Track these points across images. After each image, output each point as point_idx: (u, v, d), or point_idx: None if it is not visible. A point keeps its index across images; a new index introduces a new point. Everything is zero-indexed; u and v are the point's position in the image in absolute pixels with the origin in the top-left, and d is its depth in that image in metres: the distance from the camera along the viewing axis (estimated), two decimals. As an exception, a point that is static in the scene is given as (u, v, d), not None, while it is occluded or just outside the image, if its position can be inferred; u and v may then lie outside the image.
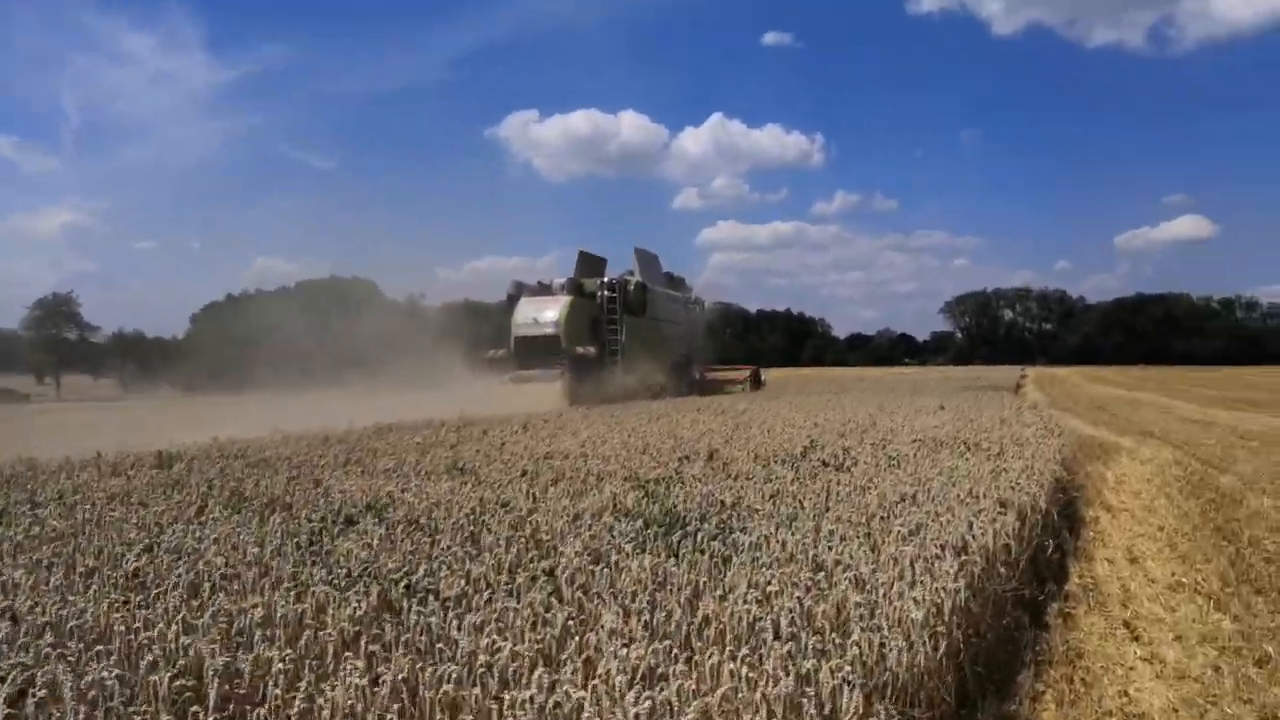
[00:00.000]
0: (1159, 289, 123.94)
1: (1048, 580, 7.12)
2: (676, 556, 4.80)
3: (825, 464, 8.31)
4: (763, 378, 46.35)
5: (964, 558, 4.81)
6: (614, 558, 4.57)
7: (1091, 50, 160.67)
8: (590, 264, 35.73)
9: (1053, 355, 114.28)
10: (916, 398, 21.95)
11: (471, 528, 5.58)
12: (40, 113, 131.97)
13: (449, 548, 4.90)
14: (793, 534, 5.18)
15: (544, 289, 32.97)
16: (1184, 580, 7.08)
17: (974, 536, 5.22)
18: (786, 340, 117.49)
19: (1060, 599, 6.53)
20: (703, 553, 4.77)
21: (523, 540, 5.11)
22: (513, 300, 32.70)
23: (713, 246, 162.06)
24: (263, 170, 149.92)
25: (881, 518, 5.65)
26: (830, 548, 4.76)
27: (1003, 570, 5.59)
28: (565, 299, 31.37)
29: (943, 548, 4.83)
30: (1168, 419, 24.54)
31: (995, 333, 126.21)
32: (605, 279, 33.64)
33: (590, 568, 4.35)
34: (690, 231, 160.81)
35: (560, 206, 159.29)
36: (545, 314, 30.90)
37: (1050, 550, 7.80)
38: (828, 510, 6.05)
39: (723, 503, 6.23)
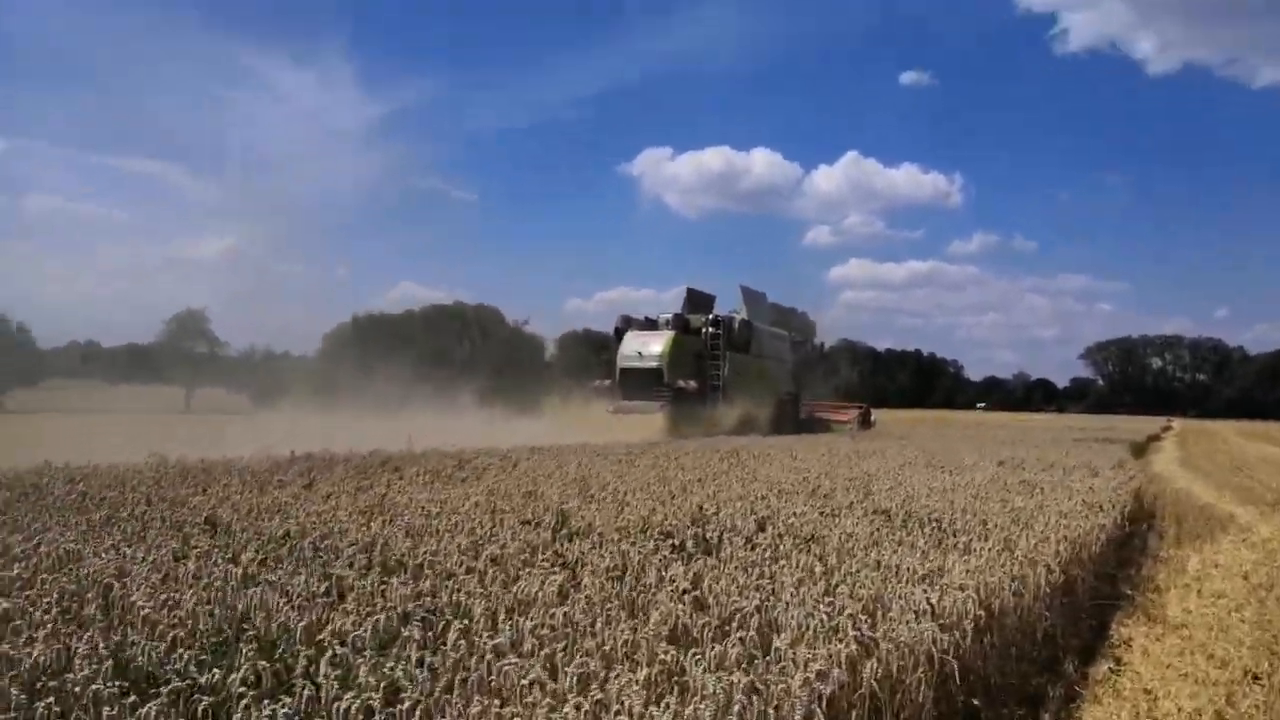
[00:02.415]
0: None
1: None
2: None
3: (681, 546, 5.60)
4: (872, 418, 43.38)
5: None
6: None
7: (1256, 90, 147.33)
8: (698, 300, 34.96)
9: (1205, 408, 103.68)
10: (995, 448, 18.40)
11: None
12: (205, 144, 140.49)
13: None
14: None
15: (650, 324, 32.46)
16: (1214, 787, 4.06)
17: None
18: (916, 381, 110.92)
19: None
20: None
21: None
22: (620, 334, 32.28)
23: (844, 284, 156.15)
24: (407, 199, 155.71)
25: (568, 669, 3.00)
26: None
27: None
28: (670, 334, 30.81)
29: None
30: (1316, 486, 19.99)
31: (1141, 381, 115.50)
32: (711, 315, 32.65)
33: None
34: (820, 269, 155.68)
35: (690, 241, 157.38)
36: (650, 348, 30.38)
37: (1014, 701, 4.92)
38: (532, 654, 3.46)
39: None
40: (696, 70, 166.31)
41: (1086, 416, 77.00)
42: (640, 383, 29.66)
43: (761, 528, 6.44)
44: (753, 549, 5.64)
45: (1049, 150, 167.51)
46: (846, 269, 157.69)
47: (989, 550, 5.82)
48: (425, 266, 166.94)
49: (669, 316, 32.10)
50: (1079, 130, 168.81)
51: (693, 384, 30.02)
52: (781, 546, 5.69)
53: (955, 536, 6.34)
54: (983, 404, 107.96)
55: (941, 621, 4.32)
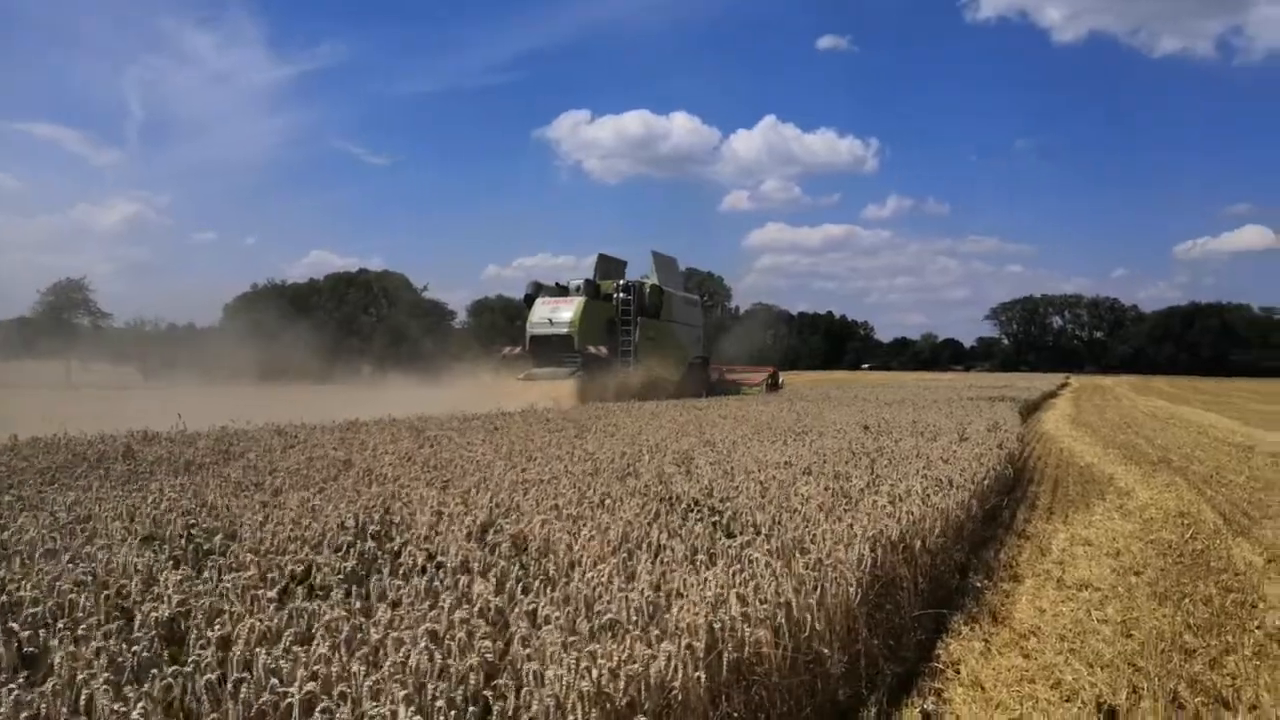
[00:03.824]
0: (1220, 299, 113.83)
1: None
2: None
3: (305, 575, 3.81)
4: (780, 380, 42.67)
5: None
6: None
7: (1157, 59, 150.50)
8: (610, 266, 33.65)
9: (1103, 364, 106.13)
10: (875, 410, 17.08)
11: None
12: (106, 108, 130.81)
13: None
14: None
15: (561, 290, 31.25)
16: None
17: None
18: (827, 343, 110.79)
19: None
20: None
21: None
22: (530, 300, 30.96)
23: (761, 248, 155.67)
24: (319, 165, 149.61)
25: None
26: None
27: None
28: (580, 300, 29.56)
29: None
30: (1200, 441, 19.25)
31: (1043, 340, 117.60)
32: (622, 281, 31.59)
33: None
34: (738, 233, 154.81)
35: (610, 207, 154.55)
36: (560, 314, 29.18)
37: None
38: None
39: None
40: (615, 32, 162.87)
41: (992, 375, 77.56)
42: (551, 349, 28.68)
43: (482, 535, 4.71)
44: (437, 572, 3.91)
45: (961, 115, 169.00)
46: (764, 233, 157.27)
47: (763, 561, 4.19)
48: (339, 234, 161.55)
49: (580, 283, 30.92)
50: (990, 96, 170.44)
51: (603, 350, 28.97)
52: (467, 571, 3.97)
53: (734, 537, 4.71)
54: (866, 365, 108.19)
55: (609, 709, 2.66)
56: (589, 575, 3.83)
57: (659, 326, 32.33)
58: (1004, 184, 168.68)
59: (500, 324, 64.60)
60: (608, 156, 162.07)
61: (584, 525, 4.89)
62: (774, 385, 40.68)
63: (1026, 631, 5.46)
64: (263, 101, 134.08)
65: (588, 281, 31.09)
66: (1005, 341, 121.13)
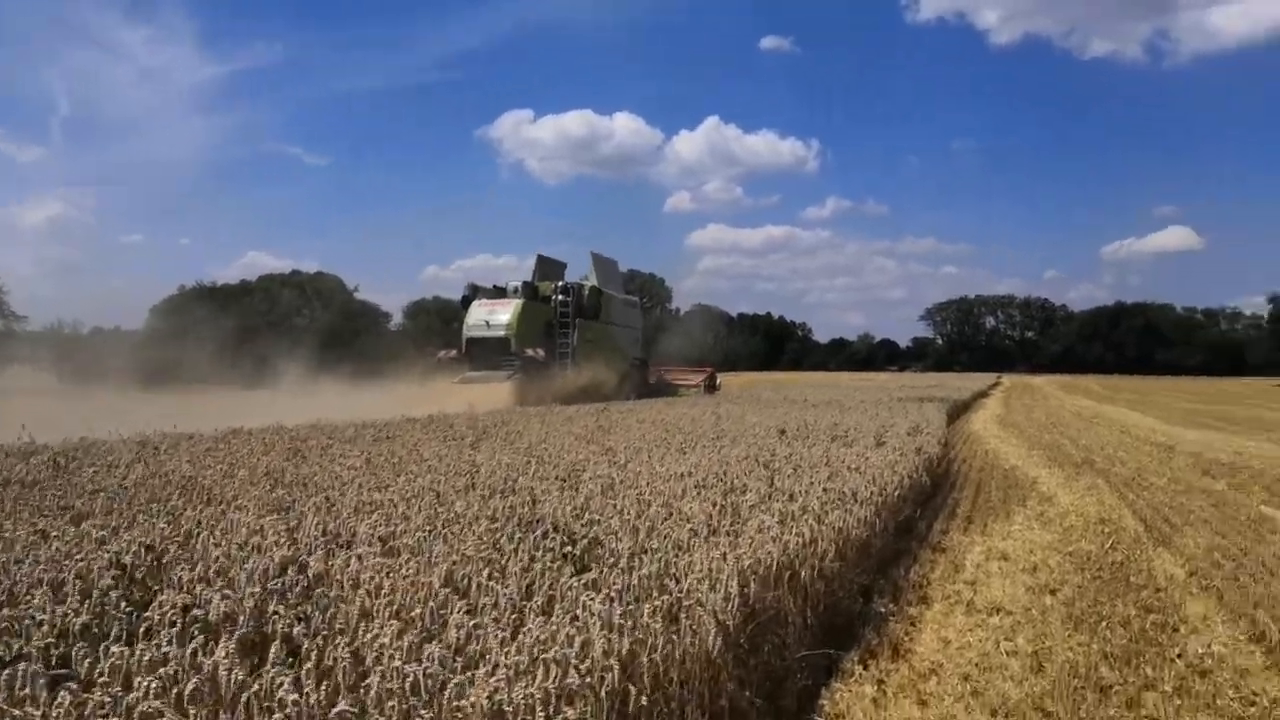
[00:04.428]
0: (1146, 299, 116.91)
1: None
2: None
3: None
4: (718, 382, 42.32)
5: None
6: None
7: (1087, 61, 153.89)
8: (549, 268, 33.22)
9: (1035, 363, 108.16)
10: (798, 412, 16.57)
11: None
12: (29, 103, 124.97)
13: None
14: None
15: (499, 292, 30.46)
16: None
17: None
18: (766, 344, 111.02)
19: None
20: None
21: None
22: (467, 302, 30.25)
23: (703, 250, 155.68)
24: (255, 166, 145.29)
25: None
26: None
27: None
28: (517, 302, 28.99)
29: None
30: (1123, 440, 19.14)
31: (976, 340, 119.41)
32: (560, 283, 31.06)
33: None
34: (680, 234, 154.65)
35: (551, 207, 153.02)
36: (497, 316, 28.62)
37: None
38: None
39: None
40: (558, 31, 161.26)
41: (926, 375, 78.22)
42: (487, 352, 27.96)
43: (280, 575, 3.89)
44: (187, 631, 3.10)
45: (901, 116, 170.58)
46: (705, 234, 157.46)
47: (597, 608, 3.44)
48: (275, 235, 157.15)
49: (518, 285, 30.24)
50: (929, 97, 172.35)
51: (540, 353, 28.42)
52: (229, 626, 3.18)
53: (587, 570, 3.98)
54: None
55: None
56: (375, 633, 3.06)
57: (598, 328, 31.81)
58: (942, 185, 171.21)
59: (436, 326, 63.35)
60: (549, 157, 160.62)
61: (410, 560, 4.11)
62: (711, 387, 40.30)
63: (927, 670, 4.82)
64: (195, 99, 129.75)
65: (526, 283, 30.47)
66: (939, 341, 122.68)
